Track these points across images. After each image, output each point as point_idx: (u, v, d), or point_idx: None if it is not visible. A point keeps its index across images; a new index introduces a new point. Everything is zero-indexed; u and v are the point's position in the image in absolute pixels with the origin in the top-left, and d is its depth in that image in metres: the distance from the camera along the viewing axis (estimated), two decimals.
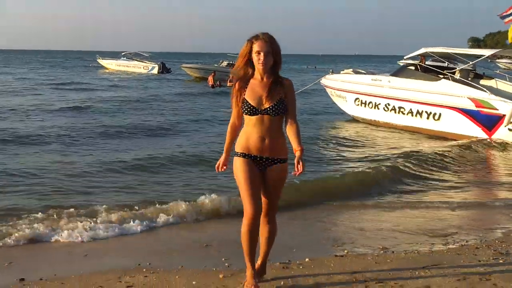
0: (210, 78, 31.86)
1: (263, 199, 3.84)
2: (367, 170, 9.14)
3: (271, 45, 3.69)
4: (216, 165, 3.98)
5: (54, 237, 5.53)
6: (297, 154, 3.67)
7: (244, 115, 3.79)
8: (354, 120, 15.93)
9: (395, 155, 10.77)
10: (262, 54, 3.67)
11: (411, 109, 13.96)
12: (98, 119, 15.68)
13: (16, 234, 5.44)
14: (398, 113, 14.30)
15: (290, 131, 3.79)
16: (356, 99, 15.45)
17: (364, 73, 16.50)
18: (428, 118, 13.64)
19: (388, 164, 9.70)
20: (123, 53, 53.70)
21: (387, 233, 5.91)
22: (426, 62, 15.77)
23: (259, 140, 3.74)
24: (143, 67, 48.82)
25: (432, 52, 14.64)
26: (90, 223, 5.83)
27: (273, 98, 3.72)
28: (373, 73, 16.37)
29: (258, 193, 3.78)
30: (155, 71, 47.70)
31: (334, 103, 16.94)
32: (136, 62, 50.26)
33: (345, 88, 15.81)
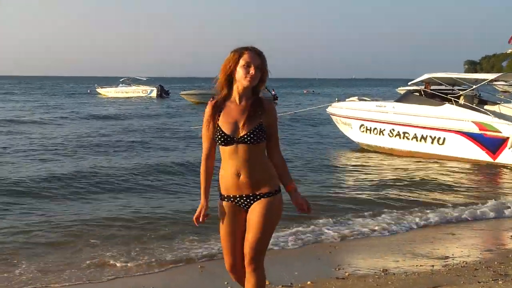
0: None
1: (246, 243, 3.15)
2: (368, 193, 9.33)
3: (261, 60, 3.15)
4: (195, 217, 3.22)
5: None
6: (293, 193, 3.21)
7: (220, 147, 3.17)
8: (359, 147, 16.05)
9: (396, 179, 10.96)
10: (252, 67, 3.09)
11: (415, 134, 14.09)
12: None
13: None
14: (403, 138, 14.42)
15: (276, 164, 3.22)
16: (361, 125, 15.59)
17: (369, 100, 16.68)
18: (432, 142, 13.75)
19: (388, 188, 9.92)
20: (121, 80, 54.65)
21: (388, 255, 6.01)
22: (431, 87, 15.93)
23: (234, 177, 3.12)
24: (142, 91, 49.97)
25: (436, 78, 14.82)
26: None
27: (251, 124, 3.10)
28: (377, 100, 16.56)
29: (238, 245, 3.19)
30: (154, 94, 49.13)
31: (340, 131, 17.09)
32: (134, 87, 51.22)
33: (350, 115, 15.97)
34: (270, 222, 3.15)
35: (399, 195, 9.48)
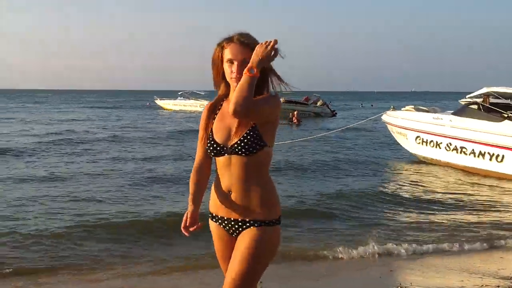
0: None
1: (227, 273, 2.58)
2: (425, 208, 9.33)
3: (250, 50, 2.50)
4: (182, 226, 2.57)
5: None
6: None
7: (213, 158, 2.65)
8: (415, 158, 15.87)
9: (453, 195, 10.84)
10: (235, 64, 2.53)
11: (473, 150, 13.81)
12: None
13: None
14: (460, 153, 14.17)
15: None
16: (417, 137, 15.42)
17: (426, 111, 16.47)
18: (490, 159, 13.45)
19: (445, 203, 9.87)
20: (179, 93, 55.18)
21: (452, 274, 5.92)
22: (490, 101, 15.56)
23: (224, 195, 2.57)
24: (199, 105, 49.98)
25: (495, 92, 14.47)
26: None
27: (242, 128, 2.52)
28: (435, 111, 16.29)
29: None
30: None
31: (395, 140, 16.96)
32: (192, 101, 51.59)
33: (406, 126, 15.81)
34: (258, 258, 2.51)
35: (457, 211, 9.39)
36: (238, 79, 2.50)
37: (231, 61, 2.55)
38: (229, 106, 2.46)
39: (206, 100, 51.52)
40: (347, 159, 16.17)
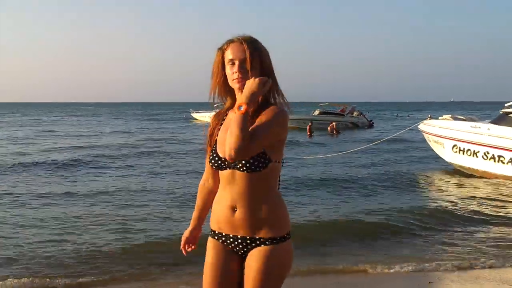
0: (308, 128, 32.79)
1: None
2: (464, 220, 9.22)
3: (252, 50, 2.33)
4: (181, 245, 2.61)
5: None
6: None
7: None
8: (452, 167, 15.74)
9: (493, 206, 10.68)
10: (236, 64, 2.33)
11: (511, 159, 13.64)
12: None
13: None
14: (498, 162, 14.00)
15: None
16: (454, 146, 15.29)
17: (463, 120, 16.32)
18: None
19: (486, 216, 9.74)
20: (215, 105, 55.23)
21: None
22: None
23: (228, 211, 2.37)
24: None
25: None
26: None
27: None
28: (472, 120, 16.14)
29: None
30: None
31: (432, 149, 16.85)
32: None
33: (443, 134, 15.70)
34: (273, 276, 2.36)
35: (499, 225, 9.17)
36: (240, 80, 2.31)
37: (232, 62, 2.34)
38: (231, 119, 2.24)
39: None
40: (387, 171, 15.79)
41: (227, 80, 2.40)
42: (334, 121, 35.25)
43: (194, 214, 2.64)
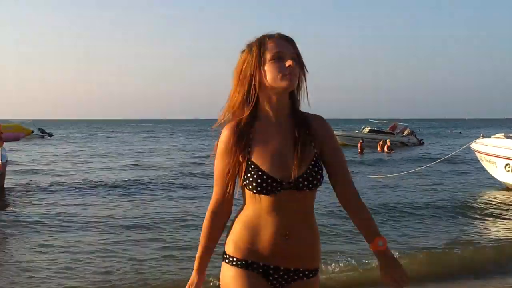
0: (359, 145, 32.55)
1: None
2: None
3: (295, 48, 2.01)
4: None
5: None
6: (385, 256, 2.05)
7: (248, 192, 2.02)
8: (504, 186, 15.41)
9: None
10: (287, 57, 1.96)
11: None
12: None
13: None
14: None
15: (354, 209, 2.10)
16: (507, 164, 14.97)
17: None
18: None
19: None
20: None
21: None
22: None
23: (279, 239, 2.00)
24: None
25: None
26: None
27: (304, 158, 1.99)
28: None
29: None
30: None
31: (485, 169, 16.55)
32: None
33: (495, 153, 15.41)
34: None
35: None
36: (294, 75, 1.95)
37: (279, 56, 1.95)
38: (270, 127, 2.03)
39: None
40: (445, 195, 14.72)
41: (254, 81, 1.99)
42: (384, 139, 34.93)
43: (203, 254, 2.16)
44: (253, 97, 2.02)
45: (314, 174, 1.99)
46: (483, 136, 17.34)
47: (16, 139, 39.51)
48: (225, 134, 2.05)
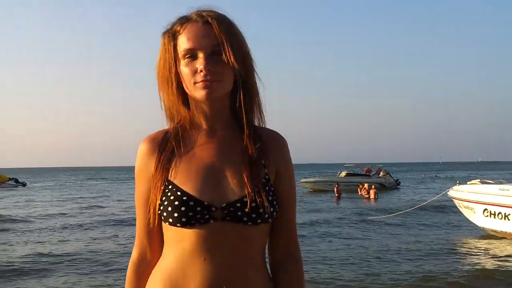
0: (335, 190, 32.87)
1: None
2: None
3: (227, 33, 1.40)
4: None
5: None
6: None
7: (167, 229, 1.47)
8: (485, 232, 15.89)
9: None
10: (201, 56, 1.40)
11: None
12: None
13: None
14: None
15: (286, 267, 1.55)
16: (485, 210, 15.50)
17: (492, 183, 16.61)
18: None
19: None
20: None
21: None
22: None
23: None
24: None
25: None
26: None
27: (250, 176, 1.42)
28: (501, 183, 16.41)
29: None
30: None
31: (462, 214, 17.07)
32: None
33: (473, 199, 15.94)
34: None
35: None
36: (207, 82, 1.38)
37: (191, 54, 1.41)
38: (203, 136, 1.50)
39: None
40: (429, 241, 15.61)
41: (179, 84, 1.47)
42: (363, 182, 35.44)
43: None
44: (176, 102, 1.49)
45: (261, 200, 1.39)
46: (459, 183, 17.92)
47: None
48: (139, 150, 1.52)
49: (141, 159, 1.51)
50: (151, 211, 1.46)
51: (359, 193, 34.06)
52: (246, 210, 1.38)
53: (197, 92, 1.41)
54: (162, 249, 1.50)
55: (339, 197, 31.66)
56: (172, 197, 1.40)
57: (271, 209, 1.42)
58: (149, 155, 1.49)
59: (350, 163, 45.71)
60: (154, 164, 1.47)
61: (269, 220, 1.44)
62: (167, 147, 1.48)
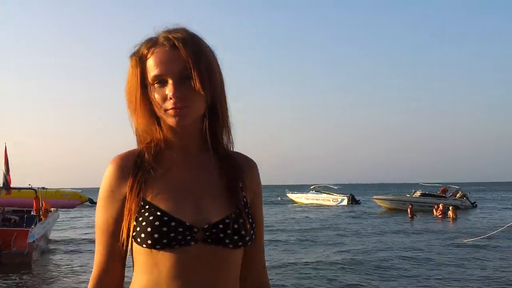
0: (409, 210, 31.78)
1: None
2: None
3: (196, 57, 1.34)
4: None
5: None
6: None
7: (140, 252, 1.34)
8: None
9: None
10: (170, 82, 1.33)
11: None
12: None
13: None
14: None
15: None
16: None
17: None
18: None
19: None
20: (311, 187, 55.65)
21: None
22: None
23: None
24: (332, 200, 49.84)
25: None
26: None
27: (230, 197, 1.40)
28: None
29: None
30: (345, 202, 48.07)
31: None
32: (325, 195, 51.64)
33: None
34: None
35: None
36: (180, 109, 1.33)
37: (160, 80, 1.35)
38: (179, 156, 1.42)
39: (339, 194, 52.05)
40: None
41: (149, 106, 1.39)
42: (438, 203, 34.26)
43: None
44: (147, 124, 1.41)
45: (242, 221, 1.36)
46: None
47: (72, 206, 40.53)
48: (109, 170, 1.40)
49: (113, 180, 1.39)
50: (124, 234, 1.34)
51: (434, 214, 32.82)
52: (229, 231, 1.34)
53: (168, 119, 1.36)
54: (123, 278, 1.43)
55: (412, 218, 30.45)
56: (151, 217, 1.31)
57: (252, 232, 1.39)
58: (122, 176, 1.39)
59: (428, 183, 44.31)
60: (129, 184, 1.37)
61: (249, 243, 1.39)
62: (142, 166, 1.39)
